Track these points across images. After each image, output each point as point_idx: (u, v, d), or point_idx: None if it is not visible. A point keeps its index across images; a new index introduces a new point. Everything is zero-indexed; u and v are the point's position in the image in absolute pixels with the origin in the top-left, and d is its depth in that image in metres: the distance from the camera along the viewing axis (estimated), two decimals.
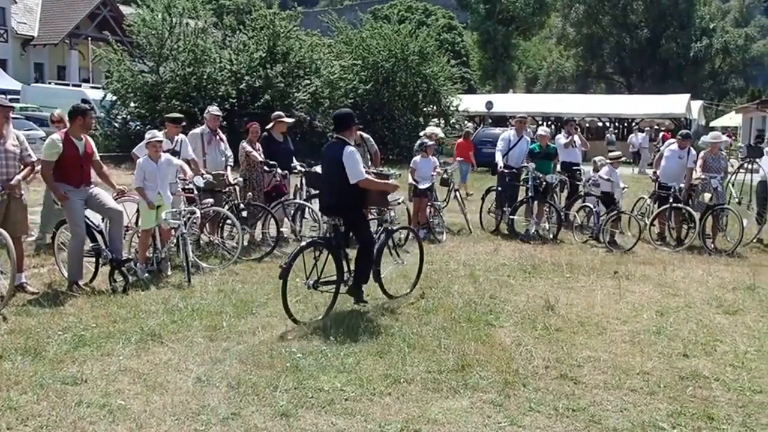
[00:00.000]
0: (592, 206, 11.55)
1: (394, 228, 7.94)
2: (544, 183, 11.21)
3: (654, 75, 63.77)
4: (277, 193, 10.01)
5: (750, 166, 11.78)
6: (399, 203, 8.56)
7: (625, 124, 38.68)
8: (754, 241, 11.29)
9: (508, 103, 37.11)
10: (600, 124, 39.15)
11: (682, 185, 11.03)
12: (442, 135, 13.32)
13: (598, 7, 64.88)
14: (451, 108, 29.79)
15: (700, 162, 11.19)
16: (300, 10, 28.32)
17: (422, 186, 11.45)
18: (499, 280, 8.40)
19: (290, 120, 11.28)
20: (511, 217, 11.33)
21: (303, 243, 7.08)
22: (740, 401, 4.97)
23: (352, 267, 7.01)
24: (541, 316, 6.87)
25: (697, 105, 40.42)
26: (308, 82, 23.52)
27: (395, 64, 27.92)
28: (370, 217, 8.44)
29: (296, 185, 10.62)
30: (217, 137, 9.92)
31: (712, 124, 50.07)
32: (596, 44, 66.33)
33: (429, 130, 13.28)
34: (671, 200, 10.97)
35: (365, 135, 11.39)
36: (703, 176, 10.95)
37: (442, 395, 4.97)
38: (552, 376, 5.34)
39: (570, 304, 7.38)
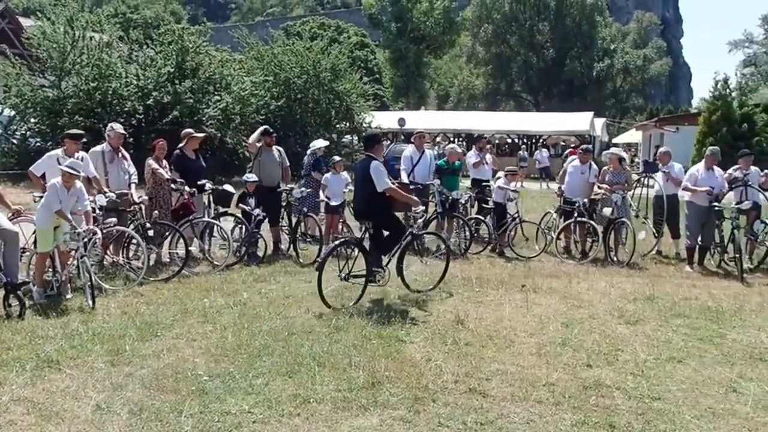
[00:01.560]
0: (482, 217, 11.97)
1: (420, 233, 8.99)
2: (450, 198, 11.40)
3: (560, 93, 66.20)
4: (185, 212, 9.77)
5: (647, 181, 12.29)
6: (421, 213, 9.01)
7: (533, 141, 39.83)
8: (653, 252, 11.78)
9: (421, 119, 37.66)
10: (509, 140, 40.18)
11: (585, 200, 11.41)
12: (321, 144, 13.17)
13: (505, 27, 66.97)
14: (364, 125, 29.93)
15: (601, 177, 11.64)
16: (210, 25, 27.89)
17: (334, 202, 11.44)
18: (410, 295, 8.43)
19: (201, 135, 11.06)
20: (422, 233, 11.42)
21: (338, 241, 8.73)
22: (640, 408, 5.14)
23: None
24: (451, 331, 6.94)
25: (600, 122, 42.03)
26: (218, 98, 23.15)
27: (307, 81, 27.87)
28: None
29: (204, 203, 10.40)
30: (120, 155, 9.60)
31: (614, 140, 52.24)
32: (505, 63, 68.38)
33: (317, 143, 13.13)
34: (576, 214, 11.33)
35: (279, 148, 11.33)
36: (604, 191, 11.38)
37: (351, 414, 4.92)
38: (461, 391, 5.38)
39: (479, 318, 7.48)
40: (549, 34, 66.43)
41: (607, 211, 11.22)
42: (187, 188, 9.74)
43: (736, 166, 11.49)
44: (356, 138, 30.04)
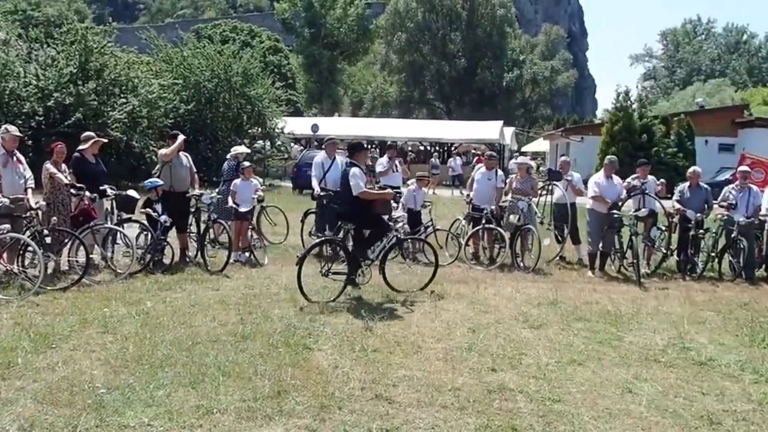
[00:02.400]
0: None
1: (404, 237, 9.55)
2: None
3: (471, 102, 67.55)
4: (86, 218, 9.40)
5: (551, 189, 12.66)
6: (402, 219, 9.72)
7: (445, 148, 40.50)
8: (557, 258, 12.14)
9: (334, 126, 37.66)
10: (422, 147, 40.70)
11: (493, 207, 11.65)
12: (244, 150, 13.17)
13: (418, 36, 67.81)
14: (277, 130, 29.65)
15: (509, 185, 11.94)
16: (115, 25, 26.96)
17: (243, 209, 11.27)
18: (319, 302, 8.38)
19: (104, 139, 10.68)
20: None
21: (320, 239, 9.71)
22: (541, 411, 5.27)
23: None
24: (360, 338, 6.93)
25: (509, 131, 43.10)
26: (124, 100, 22.44)
27: (218, 85, 27.39)
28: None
29: (106, 209, 10.04)
30: (15, 158, 9.14)
31: (523, 149, 53.67)
32: (418, 71, 69.23)
33: (238, 149, 13.07)
34: (484, 221, 11.56)
35: (186, 154, 11.07)
36: (511, 198, 11.67)
37: (256, 424, 4.84)
38: (367, 397, 5.37)
39: (388, 324, 7.51)
40: (461, 44, 67.68)
41: (513, 218, 11.50)
42: (87, 193, 9.38)
43: (635, 175, 11.98)
44: (269, 143, 29.71)
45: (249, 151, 13.35)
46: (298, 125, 33.94)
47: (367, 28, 60.09)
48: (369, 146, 37.16)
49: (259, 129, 29.25)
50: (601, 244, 11.28)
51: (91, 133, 10.43)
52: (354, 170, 8.72)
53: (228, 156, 12.82)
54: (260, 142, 29.19)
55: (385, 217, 9.09)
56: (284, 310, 7.94)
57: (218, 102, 27.55)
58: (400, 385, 5.66)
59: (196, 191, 10.80)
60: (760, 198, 11.46)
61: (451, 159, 32.97)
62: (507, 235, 11.42)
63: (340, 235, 9.27)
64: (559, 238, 12.26)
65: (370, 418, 5.00)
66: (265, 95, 28.73)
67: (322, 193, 11.52)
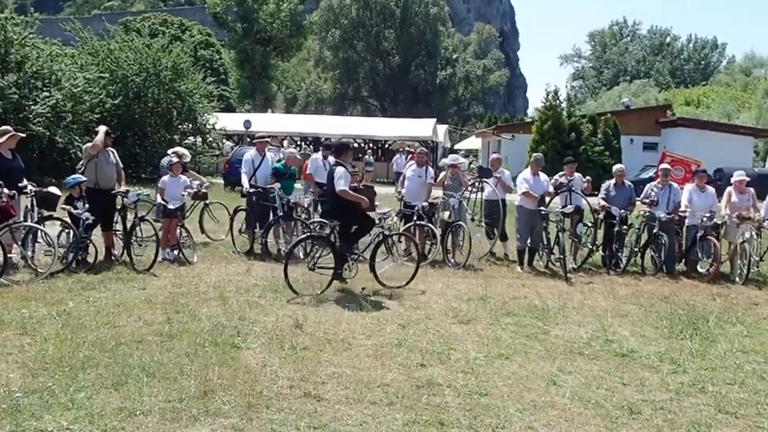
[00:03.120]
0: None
1: (390, 233, 9.95)
2: (290, 202, 11.37)
3: (405, 99, 67.93)
4: (3, 216, 9.02)
5: (481, 186, 12.83)
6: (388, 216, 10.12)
7: (379, 146, 40.59)
8: (487, 254, 12.31)
9: (267, 122, 37.32)
10: (356, 145, 40.69)
11: (425, 203, 11.73)
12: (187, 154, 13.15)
13: (352, 33, 67.76)
14: (208, 126, 29.14)
15: (440, 182, 12.05)
16: (38, 16, 26.00)
17: (171, 206, 11.04)
18: (249, 300, 8.29)
19: (21, 134, 10.27)
20: (266, 239, 11.31)
21: (305, 235, 10.21)
22: (468, 405, 5.33)
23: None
24: (289, 336, 6.88)
25: (443, 129, 43.53)
26: (47, 94, 21.63)
27: (147, 79, 26.72)
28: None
29: (26, 206, 9.68)
30: None
31: (456, 146, 54.28)
32: (352, 68, 69.18)
33: (178, 149, 12.97)
34: (415, 218, 11.62)
35: (112, 149, 10.77)
36: (442, 195, 11.78)
37: (180, 425, 4.75)
38: (296, 396, 5.34)
39: (318, 321, 7.48)
40: (395, 42, 67.94)
41: (445, 214, 11.61)
42: (6, 190, 9.01)
43: (561, 173, 12.26)
44: (200, 139, 29.17)
45: (187, 153, 13.16)
46: (231, 121, 33.42)
47: (300, 24, 59.63)
48: (302, 143, 37.04)
49: (190, 125, 28.69)
50: (529, 240, 11.50)
51: (8, 127, 10.01)
52: (339, 170, 9.06)
53: (169, 152, 12.67)
54: (191, 138, 28.64)
55: (372, 214, 9.53)
56: (213, 309, 7.81)
57: (147, 97, 26.88)
58: (329, 383, 5.65)
59: (122, 188, 10.53)
60: (680, 195, 11.88)
61: (396, 156, 32.95)
62: (438, 232, 11.51)
63: (327, 231, 9.67)
64: (490, 235, 12.44)
65: (298, 416, 4.97)
66: (195, 90, 28.19)
67: (251, 190, 11.38)
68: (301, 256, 10.29)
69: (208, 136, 29.47)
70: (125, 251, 10.38)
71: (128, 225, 10.45)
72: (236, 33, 57.69)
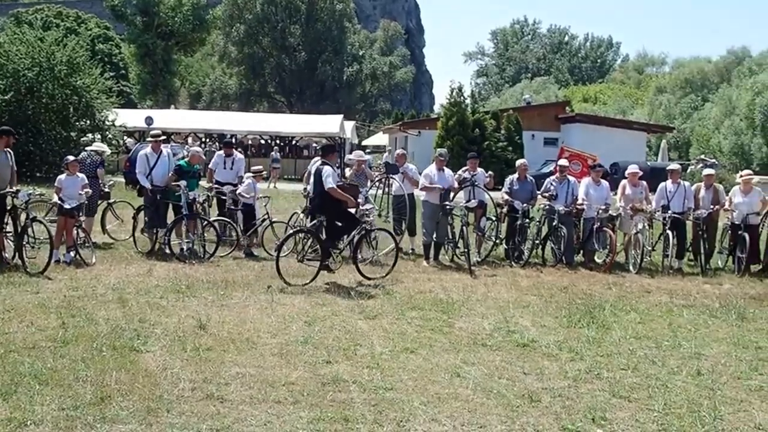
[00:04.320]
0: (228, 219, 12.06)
1: (372, 228, 10.38)
2: (194, 199, 11.14)
3: (312, 96, 67.50)
4: None
5: (387, 182, 12.91)
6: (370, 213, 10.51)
7: (286, 142, 40.21)
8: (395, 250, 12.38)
9: (170, 119, 36.34)
10: (262, 141, 40.21)
11: None
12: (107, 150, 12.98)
13: (258, 28, 66.73)
14: (107, 123, 28.07)
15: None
16: None
17: (68, 205, 10.58)
18: (150, 302, 8.05)
19: None
20: (169, 238, 11.01)
21: (294, 229, 10.88)
22: (374, 400, 5.35)
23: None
24: (192, 337, 6.73)
25: (350, 125, 43.52)
26: None
27: (40, 74, 25.45)
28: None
29: None
30: None
31: (363, 143, 54.46)
32: (258, 64, 68.11)
33: (99, 146, 12.69)
34: None
35: (9, 150, 10.23)
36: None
37: None
38: (198, 398, 5.22)
39: (222, 321, 7.34)
40: (301, 37, 67.36)
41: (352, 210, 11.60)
42: None
43: (465, 168, 12.47)
44: (99, 136, 28.06)
45: (107, 149, 12.80)
46: (131, 118, 32.29)
47: (203, 18, 58.28)
48: (207, 139, 36.27)
49: (88, 121, 27.54)
50: (435, 235, 11.65)
51: None
52: (326, 168, 9.59)
53: (88, 149, 12.47)
54: (89, 135, 27.51)
55: (353, 211, 9.91)
56: (111, 312, 7.54)
57: (41, 92, 25.60)
58: (233, 383, 5.55)
59: (12, 188, 10.02)
60: (578, 188, 12.31)
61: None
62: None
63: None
64: (398, 231, 12.53)
65: (200, 418, 4.86)
66: (93, 86, 27.05)
67: (153, 188, 11.08)
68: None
69: (107, 133, 28.35)
70: (17, 254, 9.88)
71: (20, 226, 9.95)
72: (136, 27, 55.85)
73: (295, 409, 5.10)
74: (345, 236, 10.08)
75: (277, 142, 39.09)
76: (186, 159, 11.80)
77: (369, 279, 9.84)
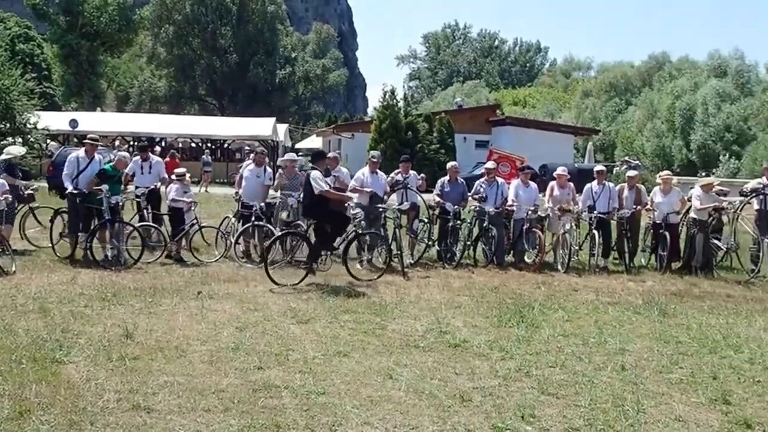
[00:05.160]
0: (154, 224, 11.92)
1: (362, 232, 10.81)
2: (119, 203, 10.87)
3: (244, 98, 66.67)
4: None
5: None
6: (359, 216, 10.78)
7: (218, 145, 39.64)
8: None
9: (96, 121, 35.28)
10: (193, 144, 39.54)
11: (263, 204, 11.58)
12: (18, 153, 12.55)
13: (187, 29, 65.58)
14: (29, 125, 27.09)
15: (277, 182, 11.95)
16: None
17: None
18: (74, 311, 7.79)
19: None
20: (90, 243, 10.69)
21: (282, 231, 10.96)
22: (305, 405, 5.30)
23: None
24: (118, 346, 6.53)
25: (282, 128, 43.18)
26: None
27: None
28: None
29: None
30: None
31: (297, 146, 54.11)
32: (188, 66, 66.91)
33: (12, 149, 12.22)
34: (253, 218, 11.44)
35: None
36: (280, 195, 11.69)
37: None
38: (124, 409, 5.07)
39: (150, 329, 7.16)
40: (232, 39, 66.44)
41: (284, 214, 11.53)
42: None
43: (397, 170, 12.53)
44: (20, 139, 27.06)
45: (23, 150, 12.36)
46: (55, 120, 31.24)
47: (130, 19, 56.67)
48: (135, 143, 35.39)
49: (8, 124, 26.54)
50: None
51: None
52: (315, 173, 10.00)
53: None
54: (9, 138, 26.50)
55: (345, 213, 10.35)
56: (32, 322, 7.25)
57: None
58: (161, 393, 5.41)
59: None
60: (507, 190, 12.52)
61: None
62: (278, 232, 11.40)
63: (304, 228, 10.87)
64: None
65: (126, 430, 4.73)
66: (13, 87, 26.15)
67: (75, 191, 10.73)
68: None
69: (29, 136, 27.39)
70: None
71: None
72: (59, 26, 53.92)
73: (225, 417, 5.01)
74: (338, 238, 10.43)
75: (209, 145, 38.51)
76: (112, 163, 11.48)
77: (359, 280, 10.16)
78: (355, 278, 10.18)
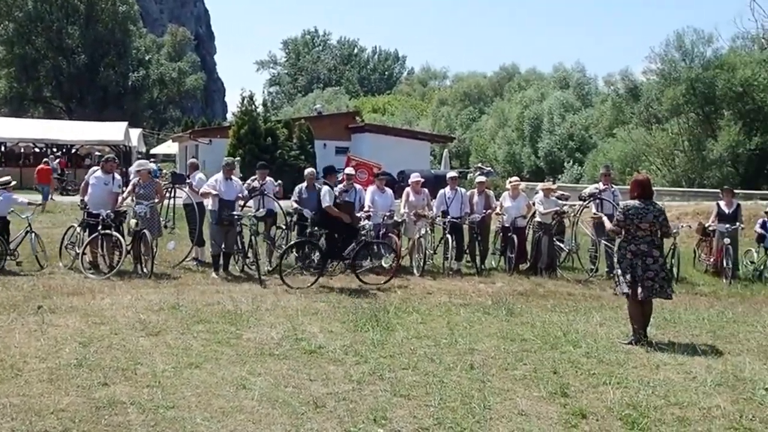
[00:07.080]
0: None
1: (370, 240, 11.38)
2: None
3: (95, 101, 63.55)
4: None
5: (173, 191, 12.50)
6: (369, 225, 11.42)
7: (64, 151, 37.52)
8: (188, 260, 12.07)
9: None
10: (36, 149, 37.18)
11: (110, 212, 11.07)
12: None
13: (30, 27, 61.55)
14: None
15: (130, 190, 11.54)
16: None
17: None
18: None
19: None
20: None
21: (297, 240, 11.98)
22: (153, 420, 5.12)
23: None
24: None
25: (136, 133, 41.56)
26: None
27: None
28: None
29: None
30: None
31: (152, 151, 52.25)
32: (31, 66, 62.71)
33: None
34: (100, 227, 10.93)
35: None
36: (135, 202, 11.28)
37: None
38: None
39: None
40: (80, 39, 62.97)
41: (132, 222, 11.11)
42: None
43: (253, 177, 12.43)
44: None
45: None
46: None
47: None
48: None
49: None
50: (223, 245, 11.43)
51: None
52: (325, 188, 11.01)
53: None
54: None
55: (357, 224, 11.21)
56: None
57: None
58: None
59: None
60: (364, 196, 12.68)
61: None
62: (126, 241, 10.96)
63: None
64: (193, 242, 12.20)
65: None
66: None
67: None
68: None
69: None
70: None
71: None
72: None
73: None
74: (348, 246, 11.06)
75: (54, 150, 36.37)
76: None
77: (368, 284, 10.88)
78: (365, 283, 11.02)
